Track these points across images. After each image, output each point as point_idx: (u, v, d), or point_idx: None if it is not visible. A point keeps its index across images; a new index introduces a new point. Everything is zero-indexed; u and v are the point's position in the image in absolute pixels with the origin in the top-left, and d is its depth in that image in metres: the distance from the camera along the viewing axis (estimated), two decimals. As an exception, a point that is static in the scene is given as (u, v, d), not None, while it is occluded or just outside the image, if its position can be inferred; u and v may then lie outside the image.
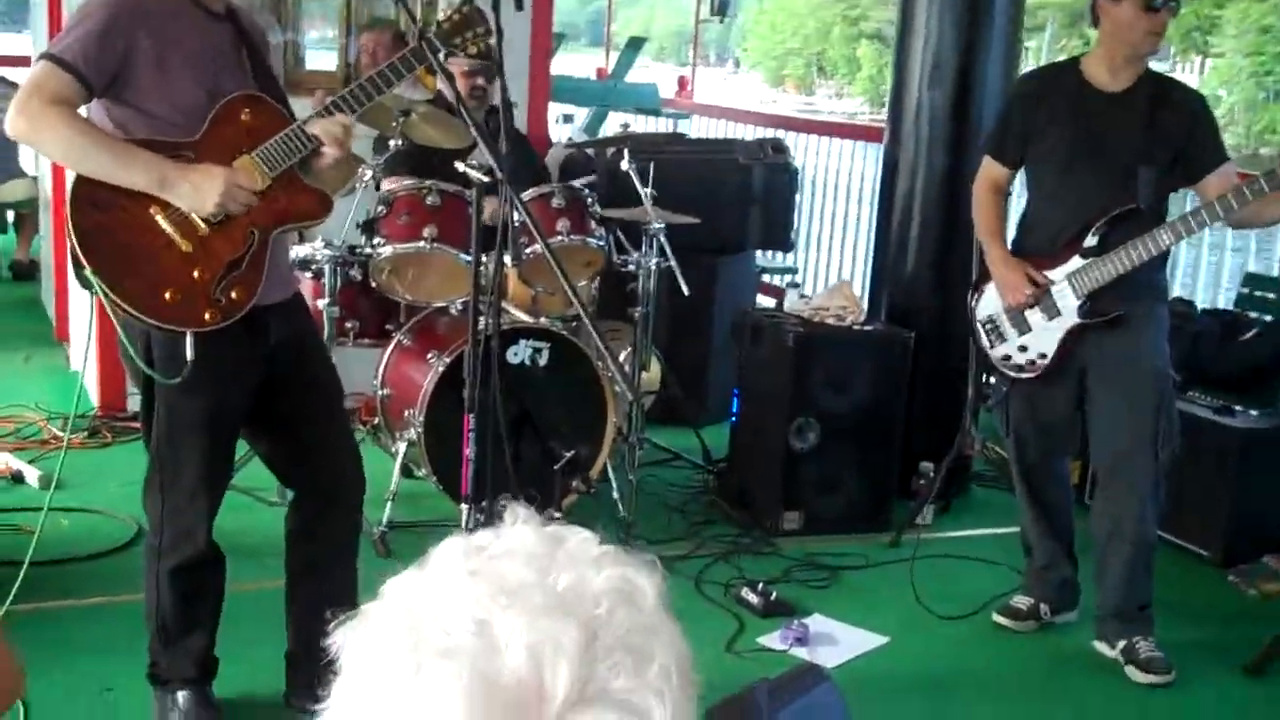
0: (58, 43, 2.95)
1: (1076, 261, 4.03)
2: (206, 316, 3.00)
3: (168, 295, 2.96)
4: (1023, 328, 4.16)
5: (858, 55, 53.05)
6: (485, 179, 3.31)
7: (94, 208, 2.93)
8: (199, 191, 2.94)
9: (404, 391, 4.80)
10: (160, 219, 2.96)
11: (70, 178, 3.04)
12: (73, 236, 2.91)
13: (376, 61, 6.99)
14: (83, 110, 2.98)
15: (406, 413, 4.69)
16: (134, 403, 5.14)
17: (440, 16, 3.33)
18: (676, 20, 60.18)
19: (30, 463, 5.08)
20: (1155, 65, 4.14)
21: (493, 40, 3.24)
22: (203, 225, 2.99)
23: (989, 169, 4.29)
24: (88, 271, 2.89)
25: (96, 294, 2.92)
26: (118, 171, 2.91)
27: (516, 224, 3.60)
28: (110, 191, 2.92)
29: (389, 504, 4.62)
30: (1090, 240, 4.00)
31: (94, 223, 2.93)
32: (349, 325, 4.88)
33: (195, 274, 2.99)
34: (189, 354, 2.96)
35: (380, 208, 4.72)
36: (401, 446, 4.73)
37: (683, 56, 48.63)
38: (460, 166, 3.74)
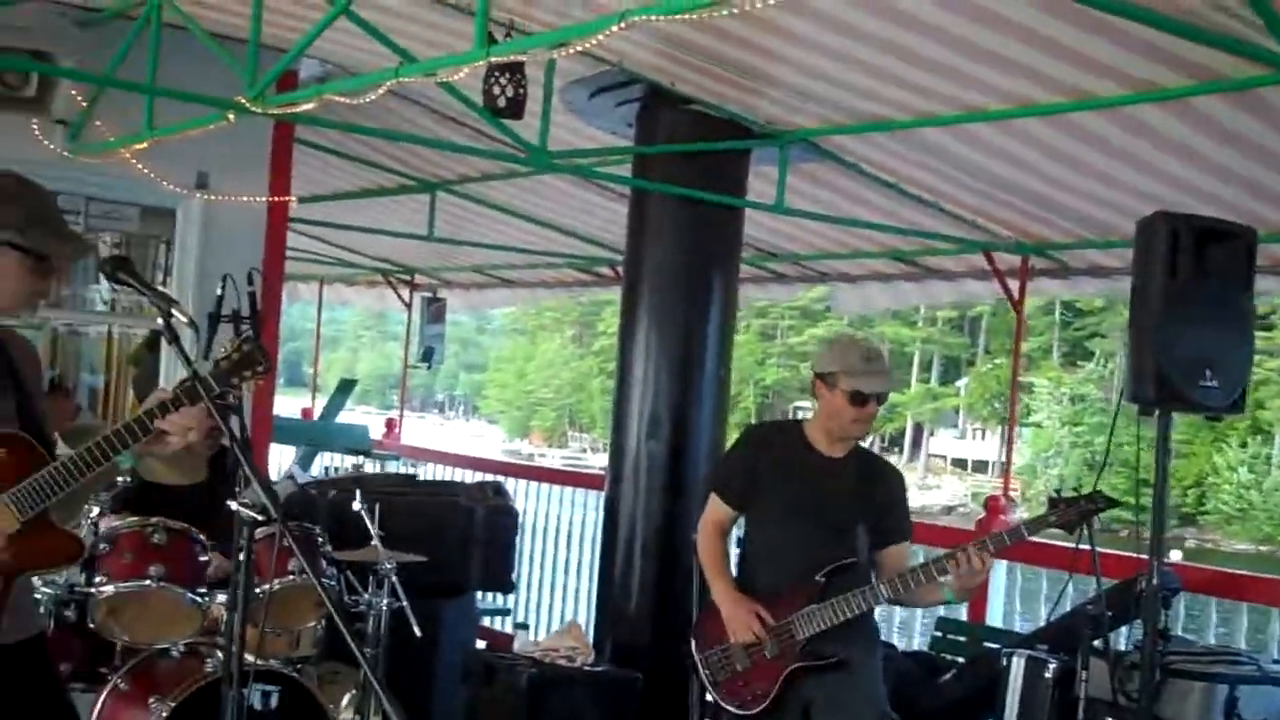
0: None
1: (800, 605, 4.27)
2: None
3: None
4: (744, 664, 4.31)
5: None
6: (259, 517, 3.29)
7: None
8: None
9: (120, 741, 4.55)
10: None
11: None
12: None
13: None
14: None
15: (123, 764, 4.44)
16: None
17: (219, 354, 3.17)
18: (380, 365, 60.77)
19: None
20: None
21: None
22: None
23: (714, 509, 4.53)
24: None
25: None
26: None
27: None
28: None
29: None
30: (813, 589, 4.25)
31: None
32: (61, 669, 4.64)
33: None
34: None
35: (103, 545, 4.60)
36: (113, 803, 4.45)
37: (386, 400, 48.74)
38: (233, 505, 3.67)
